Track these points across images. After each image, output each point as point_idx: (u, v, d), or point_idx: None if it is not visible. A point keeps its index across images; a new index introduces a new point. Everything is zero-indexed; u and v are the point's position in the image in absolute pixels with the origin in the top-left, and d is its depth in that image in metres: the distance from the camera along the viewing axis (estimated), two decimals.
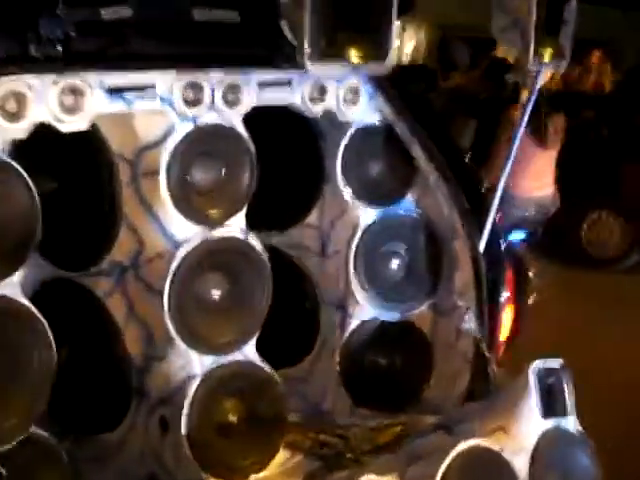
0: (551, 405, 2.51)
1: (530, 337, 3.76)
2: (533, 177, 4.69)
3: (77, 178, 2.56)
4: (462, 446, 2.24)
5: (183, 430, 2.42)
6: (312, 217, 3.01)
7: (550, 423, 2.46)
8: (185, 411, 2.43)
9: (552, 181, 4.87)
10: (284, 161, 3.01)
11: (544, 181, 4.80)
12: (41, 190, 2.60)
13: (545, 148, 4.79)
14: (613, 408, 4.42)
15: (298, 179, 3.01)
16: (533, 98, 2.71)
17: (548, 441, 2.43)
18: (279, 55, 2.32)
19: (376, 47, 2.27)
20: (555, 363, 2.59)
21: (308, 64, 2.18)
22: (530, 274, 4.73)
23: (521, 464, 2.35)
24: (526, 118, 2.75)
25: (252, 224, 3.01)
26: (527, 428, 2.42)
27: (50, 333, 2.16)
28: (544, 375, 2.53)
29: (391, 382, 2.99)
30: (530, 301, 4.79)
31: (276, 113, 2.66)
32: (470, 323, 2.80)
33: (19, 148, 2.55)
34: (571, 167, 6.13)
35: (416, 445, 2.50)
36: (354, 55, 2.21)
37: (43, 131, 2.15)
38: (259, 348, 2.78)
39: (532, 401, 2.45)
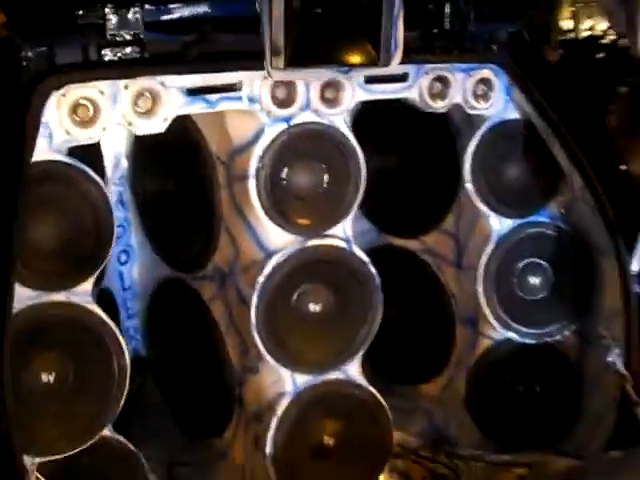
0: None
1: None
2: None
3: (184, 178, 2.55)
4: None
5: (268, 450, 2.34)
6: (448, 223, 2.79)
7: None
8: (272, 431, 2.34)
9: None
10: (420, 160, 2.83)
11: None
12: (153, 188, 2.68)
13: None
14: None
15: (434, 180, 2.80)
16: None
17: None
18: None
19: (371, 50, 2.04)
20: None
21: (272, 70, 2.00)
22: None
23: None
24: None
25: (387, 228, 2.91)
26: None
27: (122, 340, 2.15)
28: None
29: (526, 414, 2.71)
30: None
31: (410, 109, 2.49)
32: (615, 356, 2.46)
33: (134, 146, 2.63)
34: None
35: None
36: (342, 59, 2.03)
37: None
38: (384, 360, 2.64)
39: None
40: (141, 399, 2.75)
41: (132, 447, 2.29)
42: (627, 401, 2.41)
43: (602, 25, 3.03)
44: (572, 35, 3.04)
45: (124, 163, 2.76)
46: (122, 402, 2.18)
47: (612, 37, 2.98)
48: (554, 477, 2.41)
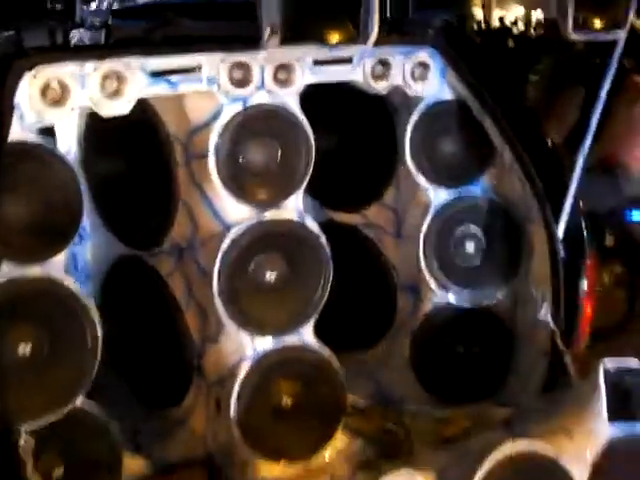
0: (622, 409, 2.39)
1: None
2: None
3: (140, 159, 2.68)
4: (508, 447, 2.18)
5: (232, 413, 2.50)
6: (387, 197, 3.00)
7: (620, 429, 2.36)
8: (235, 394, 2.51)
9: None
10: (360, 138, 3.03)
11: None
12: (111, 170, 2.79)
13: None
14: None
15: (374, 157, 3.00)
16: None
17: (615, 450, 2.33)
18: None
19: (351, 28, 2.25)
20: (632, 362, 2.48)
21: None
22: None
23: (580, 474, 2.26)
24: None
25: (328, 203, 3.08)
26: (592, 433, 2.32)
27: (94, 310, 2.29)
28: (617, 374, 2.42)
29: (467, 372, 2.95)
30: None
31: (351, 89, 2.68)
32: (546, 313, 2.71)
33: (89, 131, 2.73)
34: None
35: (471, 443, 2.46)
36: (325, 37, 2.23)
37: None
38: (331, 329, 2.82)
39: (600, 401, 2.36)
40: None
41: (104, 415, 2.43)
42: (556, 351, 2.67)
43: (512, 15, 3.30)
44: (484, 24, 3.30)
45: (73, 148, 2.86)
46: (95, 372, 2.31)
47: (521, 28, 3.24)
48: (493, 425, 2.64)
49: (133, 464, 2.64)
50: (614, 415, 2.35)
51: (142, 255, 2.78)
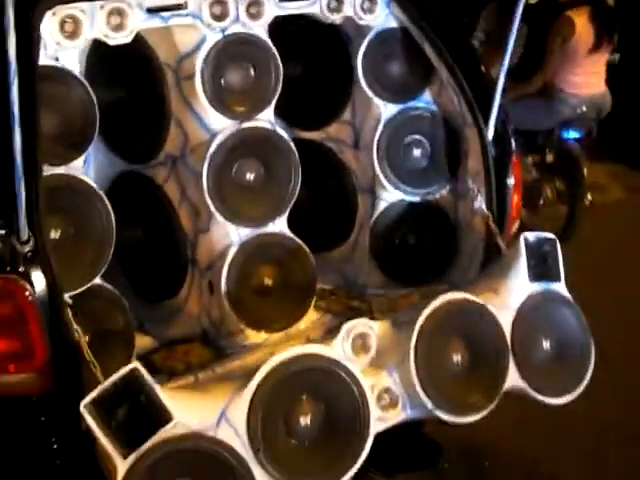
0: (541, 271, 3.05)
1: (586, 237, 4.29)
2: (583, 75, 5.09)
3: (136, 84, 3.28)
4: (445, 296, 2.81)
5: (223, 289, 3.15)
6: (346, 114, 3.64)
7: (538, 286, 3.01)
8: (224, 274, 3.15)
9: (603, 81, 5.24)
10: (320, 65, 3.64)
11: (594, 79, 5.17)
12: (111, 95, 3.37)
13: (597, 49, 5.15)
14: None
15: (332, 81, 3.63)
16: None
17: (534, 300, 2.97)
18: None
19: None
20: (548, 235, 3.13)
21: None
22: (584, 173, 5.21)
23: (505, 319, 2.90)
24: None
25: (294, 123, 3.68)
26: (515, 288, 2.97)
27: (108, 203, 2.91)
28: (536, 243, 3.07)
29: (418, 258, 3.62)
30: (588, 198, 5.28)
31: (314, 22, 3.30)
32: (481, 203, 3.36)
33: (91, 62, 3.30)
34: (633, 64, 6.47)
35: (416, 305, 3.10)
36: None
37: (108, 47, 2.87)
38: (301, 232, 3.44)
39: (521, 264, 3.01)
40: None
41: (118, 293, 3.06)
42: (491, 235, 3.32)
43: None
44: None
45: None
46: (111, 253, 2.95)
47: None
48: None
49: (141, 342, 3.28)
50: (533, 275, 3.01)
51: (139, 168, 3.39)
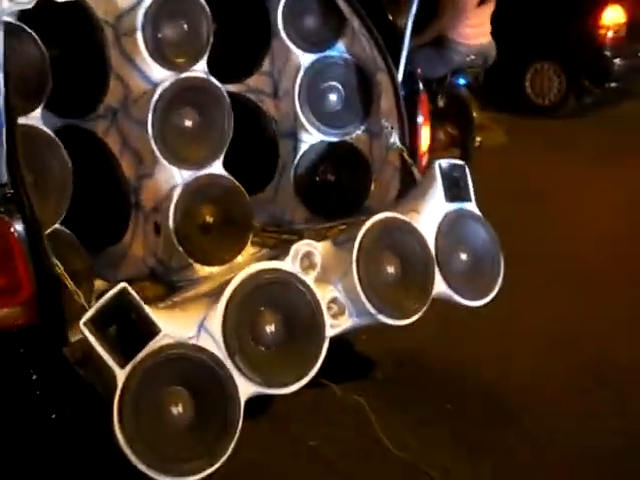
0: (454, 193, 3.53)
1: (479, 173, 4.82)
2: (472, 26, 5.66)
3: (73, 42, 3.55)
4: (379, 216, 3.24)
5: (171, 226, 3.50)
6: (265, 66, 4.03)
7: (453, 206, 3.49)
8: (171, 213, 3.50)
9: (488, 31, 5.83)
10: (239, 21, 4.00)
11: (482, 30, 5.75)
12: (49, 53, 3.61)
13: (485, 2, 5.73)
14: (547, 224, 5.59)
15: (250, 35, 4.00)
16: None
17: (451, 218, 3.45)
18: None
19: None
20: (459, 161, 3.62)
21: None
22: (473, 115, 5.79)
23: (429, 234, 3.37)
24: None
25: (216, 76, 4.01)
26: (434, 209, 3.44)
27: (66, 152, 3.21)
28: (449, 169, 3.54)
29: (338, 193, 4.07)
30: (477, 139, 5.87)
31: None
32: (395, 138, 3.82)
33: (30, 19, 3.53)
34: (517, 19, 7.23)
35: (349, 228, 3.54)
36: None
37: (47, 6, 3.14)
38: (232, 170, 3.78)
39: (437, 188, 3.48)
40: None
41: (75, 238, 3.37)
42: (405, 166, 3.78)
43: None
44: None
45: None
46: (70, 196, 3.25)
47: None
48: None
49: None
50: (449, 197, 3.48)
51: (77, 123, 3.67)
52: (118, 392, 2.57)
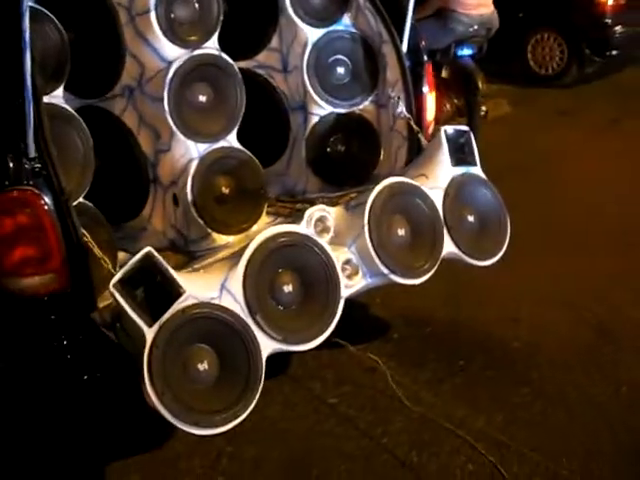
0: (460, 158, 3.68)
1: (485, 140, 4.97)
2: None
3: (89, 24, 3.70)
4: (389, 180, 3.39)
5: (189, 198, 3.66)
6: (273, 42, 4.17)
7: (460, 170, 3.64)
8: (189, 185, 3.66)
9: (490, 1, 5.94)
10: (249, 1, 4.15)
11: (483, 1, 5.87)
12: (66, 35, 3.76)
13: None
14: (548, 189, 5.78)
15: (259, 13, 4.15)
16: None
17: (458, 181, 3.59)
18: None
19: None
20: (463, 127, 3.76)
21: None
22: (479, 85, 5.92)
23: (436, 197, 3.52)
24: None
25: (228, 53, 4.16)
26: (441, 173, 3.58)
27: (87, 129, 3.37)
28: (454, 135, 3.68)
29: (349, 163, 4.22)
30: (483, 109, 6.00)
31: None
32: (402, 108, 3.96)
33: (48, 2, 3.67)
34: None
35: (360, 194, 3.69)
36: None
37: None
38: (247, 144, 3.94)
39: (444, 153, 3.62)
40: None
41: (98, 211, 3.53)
42: (412, 134, 3.93)
43: None
44: None
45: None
46: (93, 172, 3.40)
47: None
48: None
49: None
50: (455, 161, 3.62)
51: (94, 102, 3.83)
52: (147, 349, 2.73)
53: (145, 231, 3.91)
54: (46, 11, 3.28)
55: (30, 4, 3.13)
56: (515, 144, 6.29)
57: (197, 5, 3.65)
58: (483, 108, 5.92)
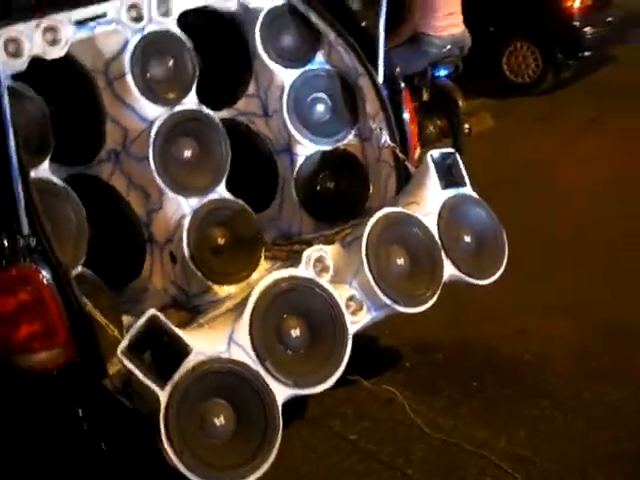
0: (449, 180, 3.71)
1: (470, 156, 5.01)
2: (442, 18, 5.83)
3: (67, 94, 3.74)
4: (382, 211, 3.42)
5: (186, 253, 3.68)
6: (251, 89, 4.21)
7: (450, 192, 3.67)
8: (184, 240, 3.68)
9: (461, 21, 6.00)
10: (219, 50, 4.19)
11: (453, 21, 5.92)
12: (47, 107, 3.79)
13: None
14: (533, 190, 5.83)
15: (232, 62, 4.19)
16: None
17: (450, 204, 3.63)
18: None
19: None
20: (449, 149, 3.80)
21: None
22: (459, 103, 5.97)
23: (430, 223, 3.55)
24: None
25: (208, 105, 4.20)
26: (432, 198, 3.63)
27: (78, 199, 3.39)
28: (441, 158, 3.72)
29: (340, 198, 4.25)
30: (466, 127, 6.05)
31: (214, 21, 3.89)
32: (385, 137, 3.99)
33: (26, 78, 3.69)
34: (486, 3, 7.46)
35: (355, 229, 3.70)
36: None
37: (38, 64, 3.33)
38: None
39: (432, 177, 3.66)
40: None
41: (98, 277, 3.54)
42: (399, 162, 3.95)
43: None
44: None
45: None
46: (87, 241, 3.42)
47: None
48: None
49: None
50: (444, 184, 3.66)
51: (82, 170, 3.84)
52: (162, 411, 2.75)
53: (146, 291, 3.92)
54: (24, 87, 3.31)
55: (8, 83, 3.21)
56: (499, 157, 6.32)
57: (172, 63, 3.70)
58: (466, 126, 5.96)
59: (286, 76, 4.09)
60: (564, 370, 3.84)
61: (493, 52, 7.86)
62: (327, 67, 4.14)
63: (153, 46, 3.61)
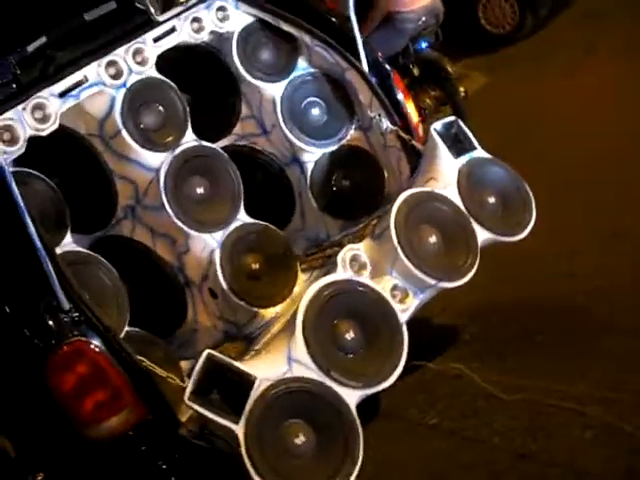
0: (459, 147, 3.71)
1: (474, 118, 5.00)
2: None
3: (71, 165, 3.79)
4: (403, 196, 3.42)
5: (224, 286, 3.70)
6: (244, 111, 4.24)
7: (463, 159, 3.67)
8: (220, 274, 3.70)
9: None
10: (206, 84, 4.22)
11: None
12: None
13: None
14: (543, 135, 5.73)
15: (219, 90, 4.22)
16: None
17: (466, 171, 3.63)
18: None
19: None
20: (450, 118, 3.79)
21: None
22: (449, 70, 5.95)
23: (452, 194, 3.55)
24: None
25: (206, 138, 4.20)
26: (447, 169, 3.62)
27: (104, 260, 3.44)
28: (445, 128, 3.72)
29: (358, 193, 4.26)
30: (461, 90, 6.02)
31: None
32: (386, 123, 4.00)
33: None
34: None
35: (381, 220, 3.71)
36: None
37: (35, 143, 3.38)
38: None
39: (442, 150, 3.65)
40: None
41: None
42: (405, 143, 3.96)
43: None
44: None
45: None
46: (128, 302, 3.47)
47: None
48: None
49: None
50: (455, 153, 3.65)
51: (103, 233, 3.88)
52: (243, 445, 2.78)
53: (196, 332, 3.95)
54: (30, 170, 3.37)
55: (16, 169, 3.27)
56: (501, 111, 6.26)
57: (161, 108, 3.74)
58: (461, 89, 5.95)
59: (274, 90, 4.12)
60: (625, 301, 3.80)
61: (469, 8, 7.79)
62: (311, 70, 4.17)
63: (139, 96, 3.65)
